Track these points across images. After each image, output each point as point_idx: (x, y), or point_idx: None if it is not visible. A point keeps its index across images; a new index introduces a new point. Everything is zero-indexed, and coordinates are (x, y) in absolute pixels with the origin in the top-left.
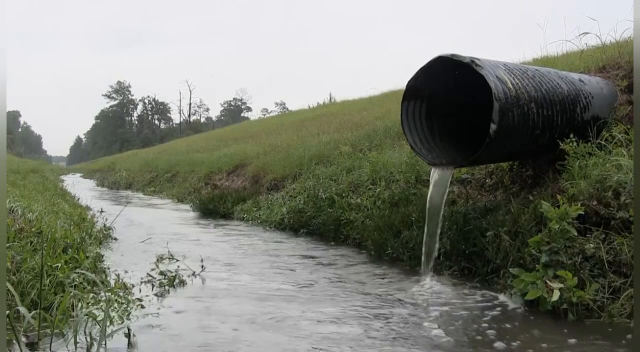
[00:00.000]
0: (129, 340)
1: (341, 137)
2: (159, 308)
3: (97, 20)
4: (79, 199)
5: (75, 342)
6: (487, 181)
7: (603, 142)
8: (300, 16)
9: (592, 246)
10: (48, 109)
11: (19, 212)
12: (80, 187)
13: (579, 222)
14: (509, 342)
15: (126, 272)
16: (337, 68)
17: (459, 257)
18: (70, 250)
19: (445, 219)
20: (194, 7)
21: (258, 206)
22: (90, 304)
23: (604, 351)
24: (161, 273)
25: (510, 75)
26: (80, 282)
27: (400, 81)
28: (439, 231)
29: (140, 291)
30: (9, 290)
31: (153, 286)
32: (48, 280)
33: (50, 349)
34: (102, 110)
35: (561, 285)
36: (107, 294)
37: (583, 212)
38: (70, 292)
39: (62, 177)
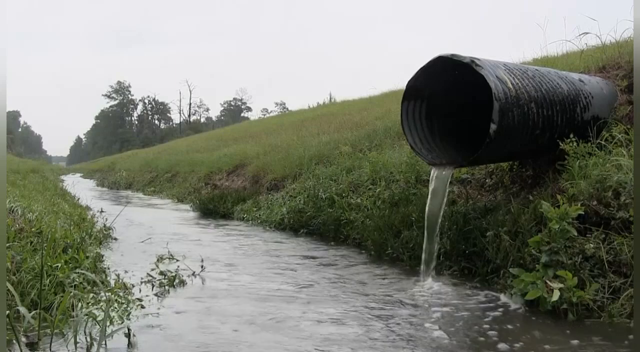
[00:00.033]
0: (129, 340)
1: (341, 137)
2: (159, 308)
3: (97, 20)
4: (79, 199)
5: (75, 342)
6: (487, 181)
7: (603, 142)
8: (300, 16)
9: (592, 246)
10: (48, 109)
11: (19, 212)
12: (80, 187)
13: (579, 222)
14: (512, 343)
15: (126, 272)
16: (337, 68)
17: (459, 257)
18: (70, 250)
19: (445, 219)
20: (194, 7)
21: (258, 206)
22: (90, 304)
23: None
24: (161, 273)
25: (510, 75)
26: (80, 282)
27: (400, 81)
28: (438, 231)
29: (140, 291)
30: (9, 290)
31: (153, 286)
32: (48, 280)
33: (50, 349)
34: (102, 110)
35: (561, 285)
36: (107, 294)
37: (583, 212)
38: (70, 292)
39: (62, 177)
